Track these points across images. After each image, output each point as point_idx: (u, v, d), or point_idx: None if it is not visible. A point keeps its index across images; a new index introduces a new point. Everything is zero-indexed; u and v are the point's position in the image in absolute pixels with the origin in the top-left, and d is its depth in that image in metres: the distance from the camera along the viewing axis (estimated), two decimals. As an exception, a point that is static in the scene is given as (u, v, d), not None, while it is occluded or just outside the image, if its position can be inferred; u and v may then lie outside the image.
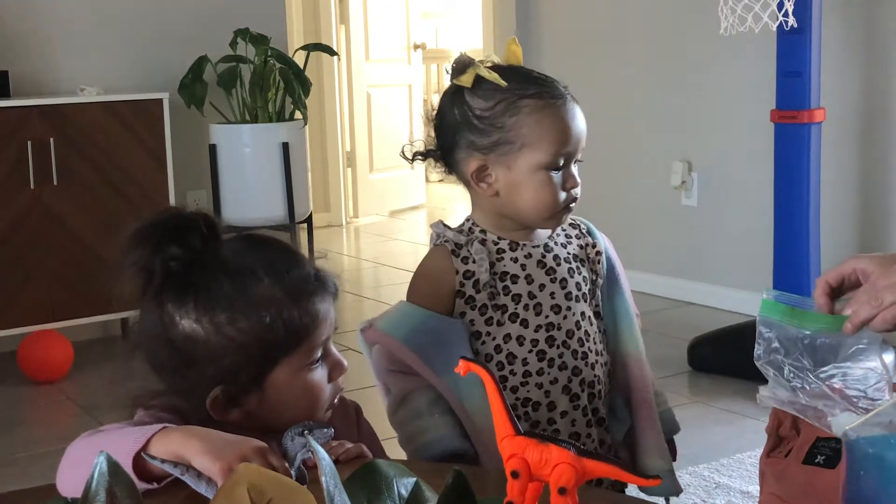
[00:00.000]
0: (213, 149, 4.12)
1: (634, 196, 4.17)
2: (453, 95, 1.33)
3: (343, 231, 6.03)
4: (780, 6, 2.90)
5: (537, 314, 1.34)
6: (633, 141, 4.15)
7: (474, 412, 1.28)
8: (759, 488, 1.41)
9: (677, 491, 1.42)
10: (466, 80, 1.30)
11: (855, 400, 1.15)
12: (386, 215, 6.37)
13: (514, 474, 0.83)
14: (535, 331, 1.34)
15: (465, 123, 1.31)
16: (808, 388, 1.17)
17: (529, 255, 1.35)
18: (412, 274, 1.38)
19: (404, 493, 0.77)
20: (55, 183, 3.52)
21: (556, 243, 1.38)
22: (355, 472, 0.80)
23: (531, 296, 1.34)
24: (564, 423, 1.35)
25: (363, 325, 1.36)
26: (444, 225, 1.37)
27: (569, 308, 1.35)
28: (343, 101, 6.19)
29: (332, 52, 4.84)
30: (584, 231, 1.42)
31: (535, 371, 1.33)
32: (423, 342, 1.29)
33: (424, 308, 1.32)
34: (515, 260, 1.34)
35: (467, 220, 1.38)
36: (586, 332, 1.37)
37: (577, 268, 1.37)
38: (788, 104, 3.04)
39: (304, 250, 4.16)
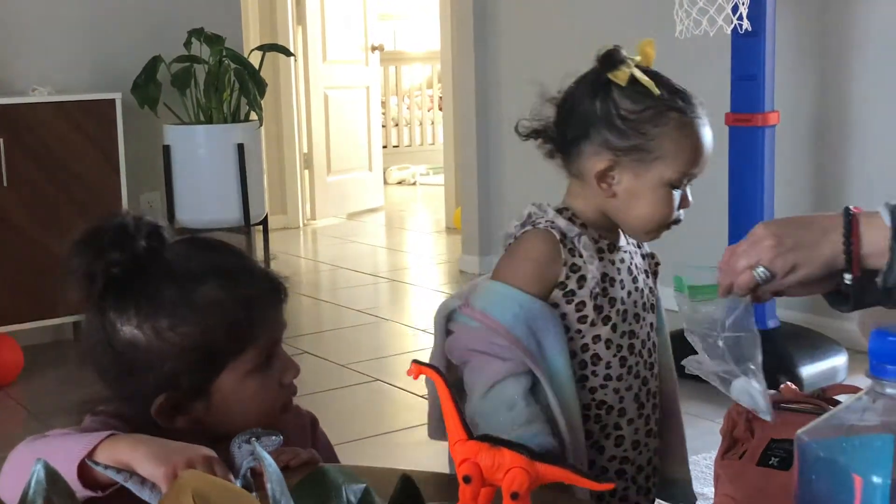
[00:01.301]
0: (166, 150, 4.07)
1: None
2: (597, 87, 1.28)
3: (300, 233, 5.99)
4: (735, 10, 2.92)
5: (623, 320, 1.32)
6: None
7: (567, 405, 1.26)
8: (713, 490, 1.41)
9: (693, 501, 1.46)
10: (622, 77, 1.26)
11: (741, 366, 1.21)
12: (344, 217, 6.34)
13: (466, 479, 0.82)
14: (621, 336, 1.32)
15: (605, 119, 1.27)
16: (711, 355, 1.23)
17: (623, 260, 1.34)
18: (509, 253, 1.32)
19: (353, 499, 0.76)
20: (5, 184, 3.46)
21: (632, 251, 1.37)
22: (303, 478, 0.79)
23: (622, 301, 1.32)
24: (629, 430, 1.34)
25: (455, 301, 1.30)
26: (550, 208, 1.33)
27: (644, 318, 1.35)
28: (300, 102, 6.16)
29: (288, 53, 4.81)
30: (636, 243, 1.40)
31: (615, 376, 1.32)
32: (526, 329, 1.25)
33: (527, 293, 1.27)
34: (613, 262, 1.32)
35: (565, 208, 1.33)
36: (654, 342, 1.38)
37: (645, 278, 1.38)
38: (743, 107, 3.07)
39: (259, 252, 4.13)
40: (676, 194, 1.28)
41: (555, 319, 1.27)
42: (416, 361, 0.86)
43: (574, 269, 1.28)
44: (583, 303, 1.29)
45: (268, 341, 1.07)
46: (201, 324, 1.03)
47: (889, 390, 0.66)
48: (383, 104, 8.05)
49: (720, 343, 1.21)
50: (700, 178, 1.31)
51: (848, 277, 1.13)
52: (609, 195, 1.29)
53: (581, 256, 1.28)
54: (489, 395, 1.24)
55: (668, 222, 1.29)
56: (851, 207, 1.13)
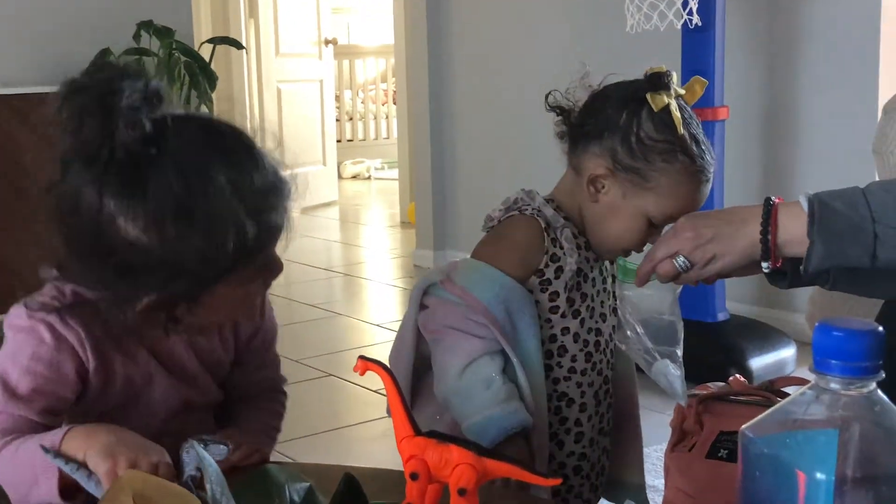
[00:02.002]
0: (116, 144, 4.00)
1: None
2: (631, 100, 1.28)
3: (253, 228, 5.94)
4: (685, 5, 2.93)
5: (591, 317, 1.34)
6: (540, 142, 4.17)
7: (536, 390, 1.26)
8: (663, 483, 1.42)
9: None
10: (657, 102, 1.26)
11: (662, 349, 1.25)
12: (297, 212, 6.30)
13: (414, 476, 0.81)
14: (588, 332, 1.34)
15: (623, 132, 1.27)
16: (637, 338, 1.28)
17: (596, 259, 1.35)
18: (493, 235, 1.32)
19: (297, 498, 0.74)
20: (-51, 179, 3.39)
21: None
22: (245, 478, 0.77)
23: (592, 298, 1.34)
24: (589, 426, 1.35)
25: (436, 275, 1.30)
26: (539, 196, 1.32)
27: (608, 319, 1.37)
28: (253, 95, 6.10)
29: (239, 46, 4.76)
30: None
31: (580, 370, 1.33)
32: (504, 311, 1.26)
33: (508, 276, 1.27)
34: (588, 260, 1.33)
35: (551, 199, 1.34)
36: (615, 344, 1.38)
37: (612, 282, 1.39)
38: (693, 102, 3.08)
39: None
40: (649, 230, 1.29)
41: (531, 304, 1.28)
42: (362, 357, 0.85)
43: (554, 258, 1.30)
44: (556, 293, 1.30)
45: (269, 250, 1.02)
46: (211, 236, 0.94)
47: (833, 385, 0.66)
48: (337, 98, 8.01)
49: (641, 327, 1.25)
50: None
51: (765, 266, 1.16)
52: (592, 200, 1.30)
53: (562, 248, 1.30)
54: (466, 373, 1.24)
55: (630, 249, 1.31)
56: (773, 198, 1.16)
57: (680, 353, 1.28)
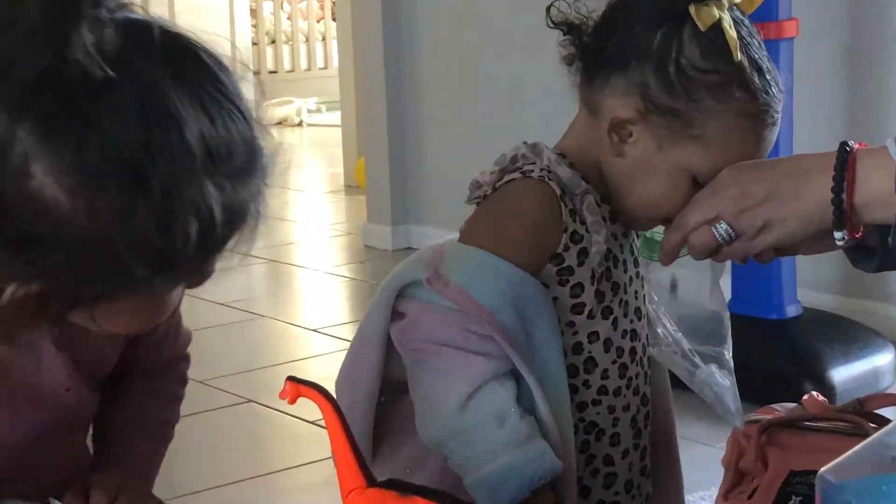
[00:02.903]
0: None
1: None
2: (669, 15, 1.28)
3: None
4: None
5: (625, 315, 1.34)
6: (541, 73, 4.17)
7: (562, 422, 1.27)
8: (713, 543, 1.43)
9: None
10: (705, 18, 1.25)
11: (702, 352, 1.29)
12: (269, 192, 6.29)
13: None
14: (622, 337, 1.34)
15: (658, 59, 1.27)
16: (671, 337, 1.31)
17: (625, 234, 1.35)
18: (488, 210, 1.31)
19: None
20: None
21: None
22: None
23: (625, 289, 1.34)
24: (623, 466, 1.36)
25: (418, 270, 1.29)
26: (548, 149, 1.31)
27: (643, 316, 1.37)
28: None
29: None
30: None
31: (612, 389, 1.33)
32: (514, 315, 1.25)
33: (517, 266, 1.27)
34: (615, 236, 1.33)
35: (562, 154, 1.32)
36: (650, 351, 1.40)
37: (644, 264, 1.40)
38: (749, 14, 3.10)
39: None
40: (695, 190, 1.29)
41: (549, 304, 1.29)
42: (292, 379, 0.85)
43: (575, 238, 1.29)
44: (580, 285, 1.30)
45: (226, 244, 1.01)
46: (169, 215, 0.90)
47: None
48: (253, 13, 7.98)
49: (674, 322, 1.27)
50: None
51: (840, 237, 1.16)
52: (616, 153, 1.30)
53: (584, 223, 1.30)
54: (470, 406, 1.23)
55: (669, 218, 1.31)
56: (852, 143, 1.15)
57: (729, 355, 1.29)
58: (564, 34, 1.33)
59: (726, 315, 1.29)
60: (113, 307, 0.98)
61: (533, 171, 1.30)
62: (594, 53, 1.31)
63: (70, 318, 0.99)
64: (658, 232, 1.30)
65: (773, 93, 1.29)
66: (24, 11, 0.87)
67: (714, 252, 1.22)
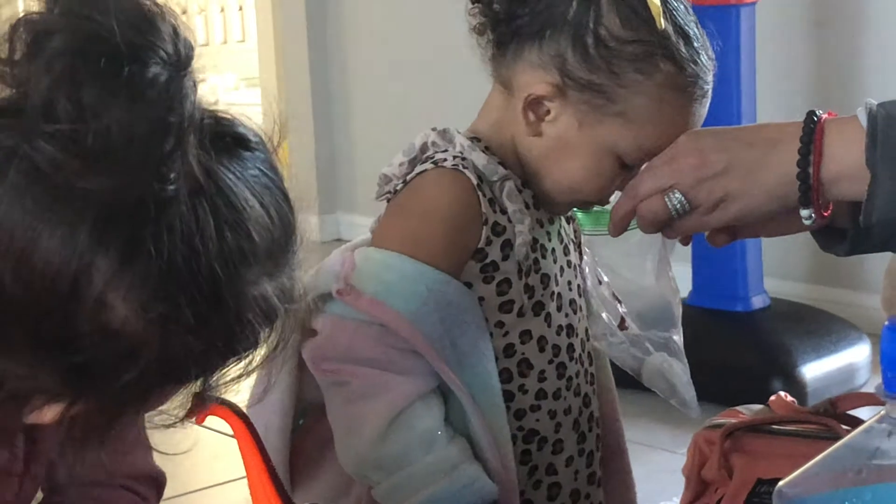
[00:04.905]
0: None
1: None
2: None
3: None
4: None
5: (559, 309, 1.34)
6: (459, 97, 4.17)
7: (498, 436, 1.27)
8: (673, 561, 1.44)
9: None
10: None
11: (651, 338, 1.30)
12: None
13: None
14: (558, 333, 1.34)
15: (575, 29, 1.27)
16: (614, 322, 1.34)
17: (551, 220, 1.35)
18: (399, 207, 1.31)
19: None
20: None
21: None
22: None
23: (556, 280, 1.34)
24: (567, 475, 1.36)
25: (327, 281, 1.28)
26: (459, 134, 1.31)
27: (580, 307, 1.38)
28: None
29: None
30: None
31: (551, 392, 1.34)
32: (437, 323, 1.25)
33: (435, 267, 1.26)
34: (541, 223, 1.33)
35: (476, 137, 1.32)
36: (593, 346, 1.40)
37: (574, 250, 1.40)
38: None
39: None
40: (620, 172, 1.30)
41: (475, 307, 1.29)
42: (198, 395, 0.85)
43: (497, 230, 1.30)
44: (507, 281, 1.31)
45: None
46: (229, 330, 0.92)
47: (913, 415, 0.67)
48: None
49: (621, 304, 1.27)
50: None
51: (807, 215, 1.16)
52: (533, 132, 1.31)
53: (505, 213, 1.30)
54: (392, 431, 1.24)
55: (591, 202, 1.33)
56: (820, 112, 1.16)
57: (679, 340, 1.30)
58: (473, 2, 1.33)
59: (676, 298, 1.29)
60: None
61: (445, 159, 1.30)
62: (505, 23, 1.31)
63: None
64: (602, 210, 1.30)
65: (702, 62, 1.29)
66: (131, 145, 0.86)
67: (665, 225, 1.22)
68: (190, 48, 0.91)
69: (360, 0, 4.58)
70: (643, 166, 1.28)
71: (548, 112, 1.29)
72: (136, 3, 0.88)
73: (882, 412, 0.69)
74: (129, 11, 0.87)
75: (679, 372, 1.29)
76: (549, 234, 1.35)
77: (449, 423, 1.26)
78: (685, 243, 1.27)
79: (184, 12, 8.44)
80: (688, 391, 1.29)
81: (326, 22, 4.66)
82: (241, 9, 8.65)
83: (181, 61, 0.89)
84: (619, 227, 1.27)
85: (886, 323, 0.68)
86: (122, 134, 0.84)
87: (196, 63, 0.92)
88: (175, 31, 0.89)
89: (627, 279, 1.32)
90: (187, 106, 0.88)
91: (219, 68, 8.20)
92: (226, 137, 0.94)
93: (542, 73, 1.28)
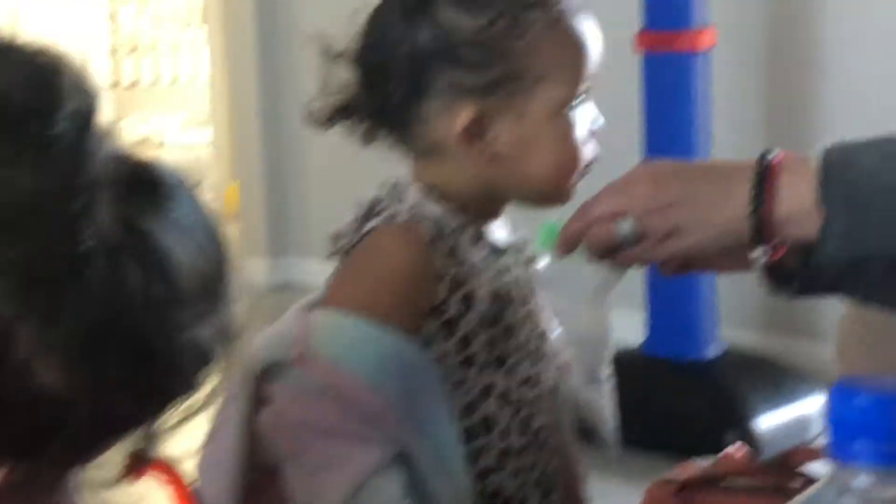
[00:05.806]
0: None
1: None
2: (411, 10, 1.29)
3: None
4: None
5: (525, 357, 1.34)
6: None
7: (459, 495, 1.27)
8: None
9: None
10: None
11: (586, 371, 1.31)
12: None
13: None
14: (521, 385, 1.33)
15: (442, 54, 1.27)
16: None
17: (511, 266, 1.34)
18: (353, 268, 1.30)
19: None
20: None
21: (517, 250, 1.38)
22: None
23: (522, 325, 1.34)
24: None
25: (280, 347, 1.27)
26: (411, 187, 1.31)
27: (545, 355, 1.36)
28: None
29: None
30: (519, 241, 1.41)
31: (515, 449, 1.32)
32: (397, 387, 1.24)
33: (391, 329, 1.25)
34: (501, 270, 1.33)
35: (433, 185, 1.31)
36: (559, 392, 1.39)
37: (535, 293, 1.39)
38: (662, 22, 3.14)
39: None
40: (577, 118, 1.31)
41: (433, 368, 1.28)
42: (135, 454, 0.84)
43: (457, 284, 1.29)
44: (468, 336, 1.30)
45: None
46: (163, 376, 0.91)
47: (860, 481, 0.67)
48: (112, 17, 7.90)
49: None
50: (607, 128, 1.34)
51: (757, 254, 1.16)
52: (489, 159, 1.30)
53: (464, 264, 1.29)
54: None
55: (580, 163, 1.32)
56: (774, 152, 1.16)
57: (605, 375, 1.30)
58: (342, 122, 1.37)
59: (611, 333, 1.28)
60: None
61: (399, 214, 1.30)
62: (382, 107, 1.32)
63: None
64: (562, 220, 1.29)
65: None
66: (40, 214, 0.85)
67: (612, 252, 1.22)
68: (93, 98, 0.89)
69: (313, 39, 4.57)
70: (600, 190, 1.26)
71: (487, 131, 1.29)
72: (29, 62, 0.87)
73: (829, 475, 0.69)
74: (24, 72, 0.87)
75: (604, 402, 1.29)
76: (517, 280, 1.34)
77: (412, 490, 1.24)
78: (622, 272, 1.26)
79: (133, 50, 8.43)
80: (610, 432, 1.29)
81: (279, 60, 4.66)
82: (191, 47, 8.64)
83: (83, 116, 0.88)
84: (566, 246, 1.25)
85: (836, 384, 0.68)
86: (29, 201, 0.84)
87: (102, 113, 0.91)
88: (76, 85, 0.87)
89: (566, 302, 1.32)
90: (96, 163, 0.86)
91: (169, 108, 8.20)
92: (144, 184, 0.92)
93: (454, 109, 1.29)
